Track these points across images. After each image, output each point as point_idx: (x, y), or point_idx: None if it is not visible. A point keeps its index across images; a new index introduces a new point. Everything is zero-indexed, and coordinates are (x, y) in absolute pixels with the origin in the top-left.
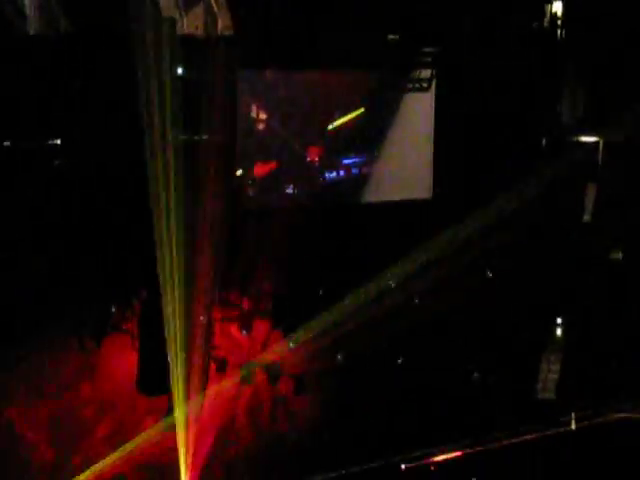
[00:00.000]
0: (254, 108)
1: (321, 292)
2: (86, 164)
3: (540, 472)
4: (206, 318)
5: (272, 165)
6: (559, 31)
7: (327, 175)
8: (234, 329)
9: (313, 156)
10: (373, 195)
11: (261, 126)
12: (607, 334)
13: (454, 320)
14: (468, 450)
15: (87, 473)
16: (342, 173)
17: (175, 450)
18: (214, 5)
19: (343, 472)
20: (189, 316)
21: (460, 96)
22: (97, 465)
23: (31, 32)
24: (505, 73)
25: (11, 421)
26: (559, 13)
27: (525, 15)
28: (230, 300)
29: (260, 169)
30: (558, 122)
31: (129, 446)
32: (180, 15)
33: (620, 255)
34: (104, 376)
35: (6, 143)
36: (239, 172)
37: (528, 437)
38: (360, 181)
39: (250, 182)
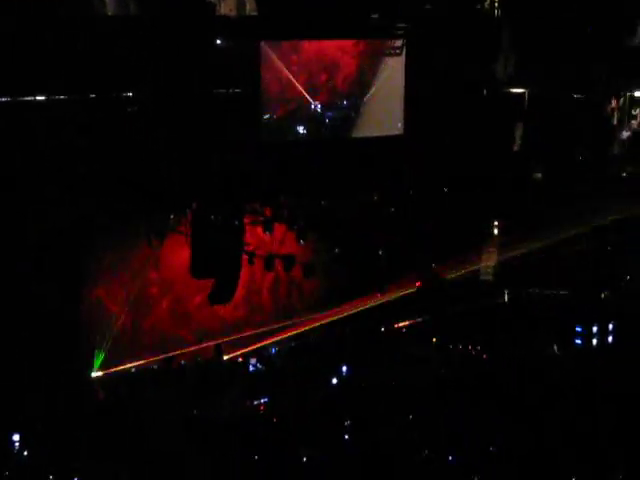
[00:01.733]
0: (274, 69)
1: (323, 203)
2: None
3: (480, 330)
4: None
5: (288, 108)
6: (496, 11)
7: (327, 116)
8: (259, 230)
9: (317, 103)
10: (359, 132)
11: (280, 82)
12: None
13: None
14: (430, 316)
15: None
16: (338, 115)
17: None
18: None
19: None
20: (226, 221)
21: (423, 60)
22: None
23: (108, 13)
24: (456, 43)
25: (100, 298)
26: None
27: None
28: (256, 208)
29: (280, 111)
30: (494, 78)
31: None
32: (218, 0)
33: (540, 175)
34: (166, 265)
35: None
36: (266, 116)
37: (474, 306)
38: (350, 122)
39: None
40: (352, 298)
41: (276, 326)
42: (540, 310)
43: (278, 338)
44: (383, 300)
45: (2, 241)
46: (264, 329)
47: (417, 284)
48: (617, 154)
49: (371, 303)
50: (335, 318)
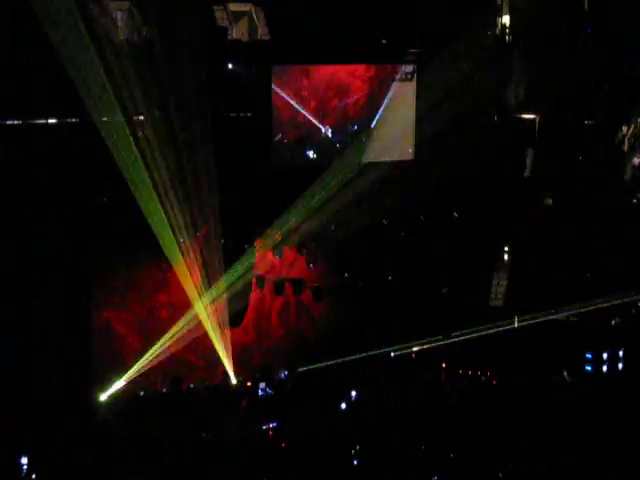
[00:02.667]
0: (285, 93)
1: (333, 228)
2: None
3: (490, 355)
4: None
5: (298, 133)
6: (507, 37)
7: (337, 140)
8: (269, 254)
9: (328, 127)
10: (370, 156)
11: (290, 106)
12: (541, 257)
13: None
14: (440, 342)
15: None
16: (349, 140)
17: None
18: (255, 18)
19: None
20: (236, 245)
21: (435, 85)
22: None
23: (120, 37)
24: (467, 68)
25: (109, 320)
26: (507, 24)
27: (482, 26)
28: (266, 232)
29: (290, 136)
30: (506, 104)
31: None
32: (230, 25)
33: (550, 201)
34: (176, 288)
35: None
36: (277, 140)
37: (483, 332)
38: (361, 146)
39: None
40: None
41: None
42: (550, 336)
43: None
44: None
45: (12, 265)
46: None
47: None
48: (628, 179)
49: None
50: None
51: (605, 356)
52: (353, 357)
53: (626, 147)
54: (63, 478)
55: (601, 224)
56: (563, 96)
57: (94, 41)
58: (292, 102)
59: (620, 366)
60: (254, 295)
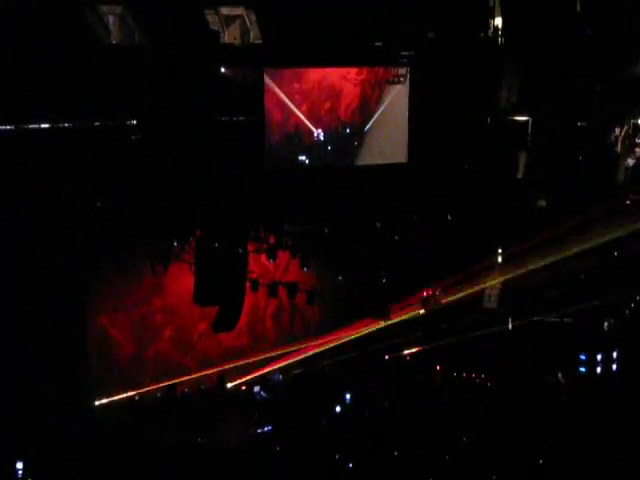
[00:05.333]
0: (277, 97)
1: (327, 230)
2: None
3: (484, 357)
4: (242, 250)
5: (290, 136)
6: (499, 39)
7: (329, 143)
8: (263, 258)
9: (320, 131)
10: (363, 159)
11: (283, 110)
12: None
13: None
14: (434, 344)
15: None
16: (341, 143)
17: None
18: (247, 21)
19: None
20: (230, 249)
21: (427, 88)
22: None
23: (113, 42)
24: (460, 70)
25: (104, 326)
26: (500, 26)
27: (474, 28)
28: (260, 236)
29: (282, 139)
30: (498, 106)
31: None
32: (222, 29)
33: (544, 202)
34: (170, 292)
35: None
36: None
37: (478, 333)
38: (353, 150)
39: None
40: (355, 325)
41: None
42: (544, 338)
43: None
44: (386, 326)
45: (6, 270)
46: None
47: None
48: (621, 181)
49: (374, 329)
50: (339, 344)
51: (599, 358)
52: (347, 360)
53: (619, 149)
54: None
55: (594, 225)
56: (556, 98)
57: (86, 45)
58: (284, 105)
59: (614, 367)
60: (248, 299)
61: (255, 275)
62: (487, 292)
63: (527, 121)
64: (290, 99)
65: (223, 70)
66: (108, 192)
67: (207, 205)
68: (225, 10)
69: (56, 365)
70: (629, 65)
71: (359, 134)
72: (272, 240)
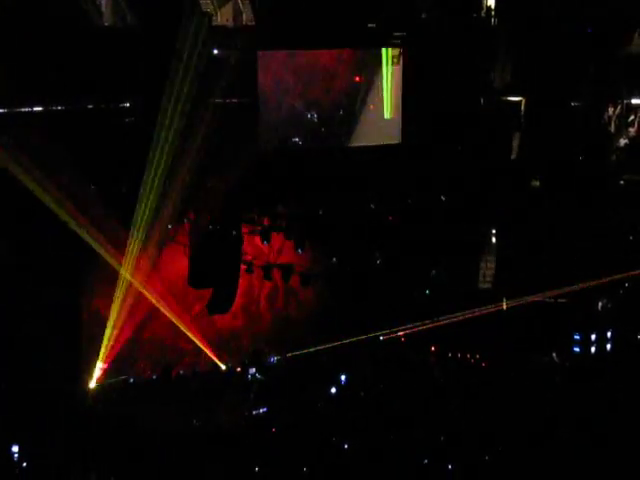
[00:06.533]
0: (271, 79)
1: (321, 212)
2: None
3: (479, 338)
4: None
5: (284, 119)
6: (492, 20)
7: (323, 125)
8: (257, 240)
9: (314, 112)
10: (357, 141)
11: (276, 92)
12: (528, 240)
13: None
14: (429, 325)
15: None
16: (335, 125)
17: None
18: (240, 3)
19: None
20: (224, 231)
21: (420, 69)
22: None
23: (105, 24)
24: (453, 51)
25: (98, 308)
26: (492, 6)
27: (467, 8)
28: (254, 218)
29: (276, 121)
30: (491, 87)
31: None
32: (215, 11)
33: (537, 183)
34: (165, 274)
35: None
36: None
37: (473, 314)
38: (347, 131)
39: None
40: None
41: None
42: (539, 318)
43: None
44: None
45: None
46: None
47: None
48: (614, 161)
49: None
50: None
51: (593, 337)
52: (342, 341)
53: (612, 129)
54: (54, 466)
55: (587, 206)
56: (549, 78)
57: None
58: (278, 87)
59: (608, 347)
60: (243, 281)
61: (249, 257)
62: (482, 272)
63: (520, 101)
64: (284, 81)
65: (216, 52)
66: (102, 175)
67: (201, 187)
68: None
69: (50, 347)
70: (623, 44)
71: (353, 115)
72: (266, 222)
